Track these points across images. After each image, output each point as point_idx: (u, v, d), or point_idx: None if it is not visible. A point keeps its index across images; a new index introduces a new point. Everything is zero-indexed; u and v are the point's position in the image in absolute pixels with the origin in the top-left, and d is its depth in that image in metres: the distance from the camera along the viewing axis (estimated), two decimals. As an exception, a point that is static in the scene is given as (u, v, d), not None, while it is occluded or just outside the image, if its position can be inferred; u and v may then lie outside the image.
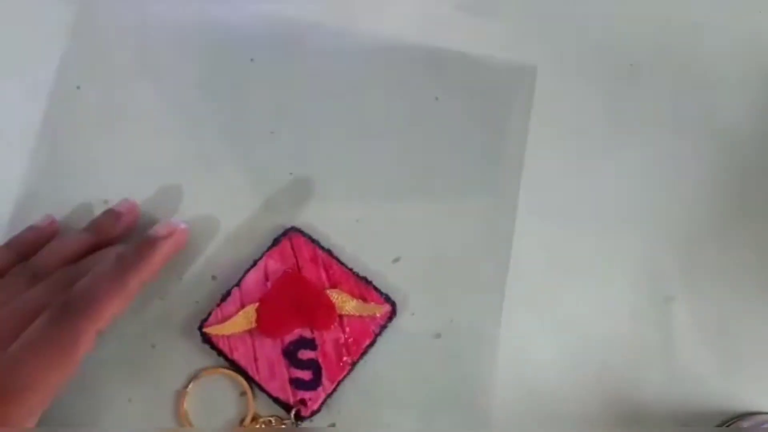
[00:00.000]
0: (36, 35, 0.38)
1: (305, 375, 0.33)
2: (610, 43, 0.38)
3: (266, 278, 0.34)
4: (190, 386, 0.34)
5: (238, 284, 0.34)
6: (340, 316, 0.33)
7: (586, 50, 0.38)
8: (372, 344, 0.34)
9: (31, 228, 0.35)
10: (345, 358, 0.33)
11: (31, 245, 0.34)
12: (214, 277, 0.35)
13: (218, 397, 0.34)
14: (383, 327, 0.34)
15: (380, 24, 0.39)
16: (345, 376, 0.33)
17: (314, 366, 0.33)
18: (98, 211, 0.36)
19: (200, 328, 0.33)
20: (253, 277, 0.34)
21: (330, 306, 0.33)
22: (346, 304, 0.34)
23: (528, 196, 0.36)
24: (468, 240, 0.36)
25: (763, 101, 0.38)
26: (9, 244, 0.34)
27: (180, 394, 0.34)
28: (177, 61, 0.38)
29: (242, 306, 0.33)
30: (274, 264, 0.34)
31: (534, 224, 0.36)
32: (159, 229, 0.33)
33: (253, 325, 0.33)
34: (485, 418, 0.34)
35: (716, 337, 0.35)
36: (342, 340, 0.33)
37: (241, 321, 0.33)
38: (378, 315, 0.34)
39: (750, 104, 0.38)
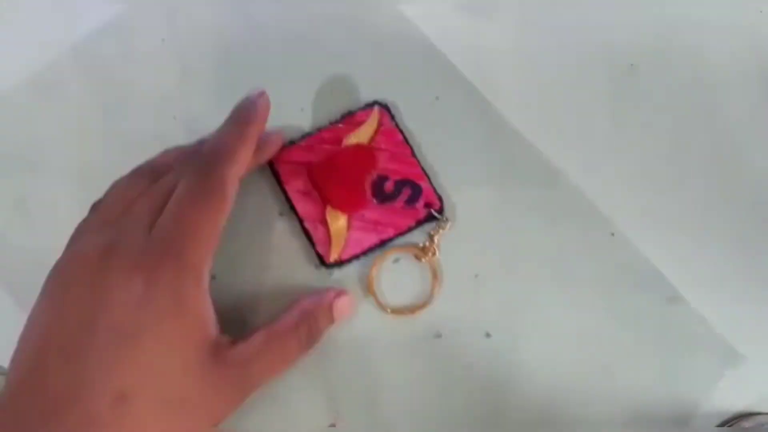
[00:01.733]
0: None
1: (406, 193, 0.35)
2: (610, 43, 0.38)
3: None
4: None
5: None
6: (372, 148, 0.36)
7: (586, 50, 0.38)
8: (404, 134, 0.37)
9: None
10: (405, 158, 0.36)
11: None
12: (214, 277, 0.35)
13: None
14: (394, 119, 0.37)
15: (380, 23, 0.39)
16: (423, 167, 0.36)
17: (402, 184, 0.36)
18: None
19: (330, 265, 0.35)
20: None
21: (362, 150, 0.36)
22: (357, 138, 0.36)
23: (528, 196, 0.36)
24: (468, 239, 0.36)
25: (764, 101, 0.38)
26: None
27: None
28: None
29: (323, 221, 0.35)
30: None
31: (534, 224, 0.36)
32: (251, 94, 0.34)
33: (345, 219, 0.35)
34: (485, 418, 0.34)
35: (716, 336, 0.34)
36: (389, 154, 0.36)
37: (338, 226, 0.35)
38: (381, 119, 0.36)
39: (750, 104, 0.38)
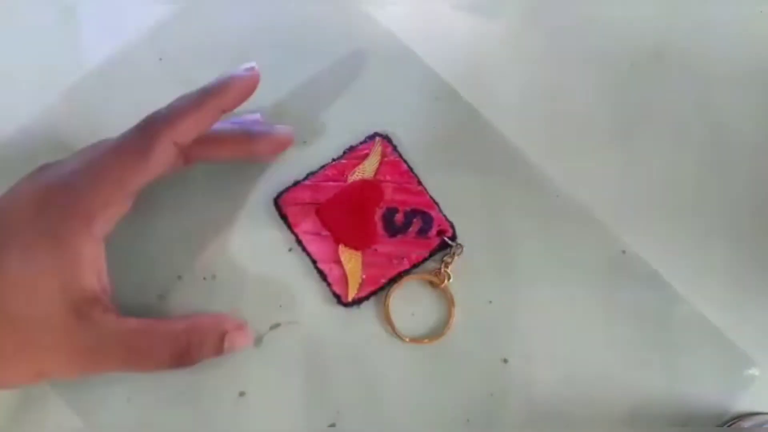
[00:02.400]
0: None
1: (417, 224, 0.35)
2: (610, 43, 0.38)
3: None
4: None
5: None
6: (378, 181, 0.36)
7: (586, 50, 0.38)
8: (408, 164, 0.36)
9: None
10: (412, 188, 0.36)
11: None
12: (214, 277, 0.35)
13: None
14: (396, 150, 0.36)
15: (380, 22, 0.39)
16: (431, 195, 0.36)
17: (412, 214, 0.35)
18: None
19: (348, 304, 0.35)
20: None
21: (368, 185, 0.35)
22: (362, 173, 0.36)
23: (527, 195, 0.36)
24: (468, 239, 0.36)
25: (764, 101, 0.37)
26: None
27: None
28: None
29: (337, 260, 0.35)
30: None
31: (534, 225, 0.36)
32: (237, 70, 0.32)
33: (359, 256, 0.35)
34: (485, 418, 0.34)
35: (716, 336, 0.34)
36: (395, 186, 0.36)
37: (352, 263, 0.35)
38: (383, 150, 0.36)
39: (750, 104, 0.38)
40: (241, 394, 0.34)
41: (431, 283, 0.35)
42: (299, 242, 0.35)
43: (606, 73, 0.38)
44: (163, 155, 0.30)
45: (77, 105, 0.38)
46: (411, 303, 0.35)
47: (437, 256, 0.35)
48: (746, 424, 0.33)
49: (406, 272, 0.35)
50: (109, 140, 0.31)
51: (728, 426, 0.33)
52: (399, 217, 0.35)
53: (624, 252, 0.35)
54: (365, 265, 0.35)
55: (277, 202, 0.35)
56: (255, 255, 0.35)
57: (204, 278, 0.35)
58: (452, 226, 0.35)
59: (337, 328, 0.35)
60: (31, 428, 0.34)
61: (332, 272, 0.35)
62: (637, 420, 0.34)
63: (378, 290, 0.35)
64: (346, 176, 0.36)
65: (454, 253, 0.35)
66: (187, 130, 0.30)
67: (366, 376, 0.34)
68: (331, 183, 0.36)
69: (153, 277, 0.35)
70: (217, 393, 0.34)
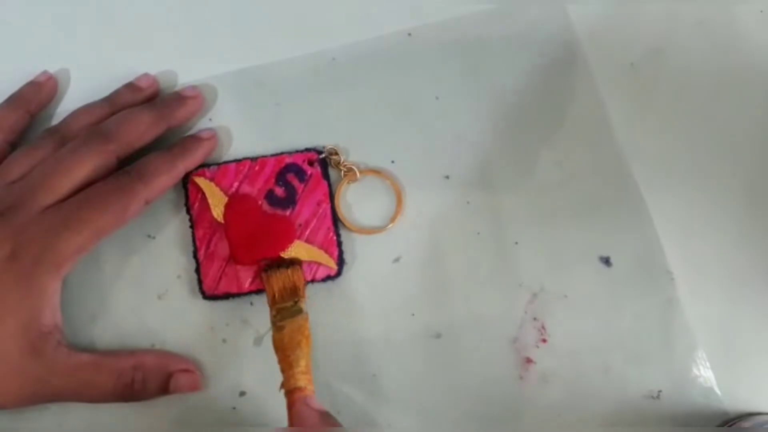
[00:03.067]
0: None
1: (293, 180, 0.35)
2: (610, 42, 0.38)
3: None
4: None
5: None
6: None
7: (586, 50, 0.38)
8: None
9: (30, 83, 0.37)
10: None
11: (33, 98, 0.36)
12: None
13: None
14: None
15: (380, 23, 0.39)
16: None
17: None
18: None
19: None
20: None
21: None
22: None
23: (527, 196, 0.36)
24: (468, 239, 0.36)
25: (764, 101, 0.37)
26: (11, 100, 0.36)
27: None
28: None
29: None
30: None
31: (533, 225, 0.36)
32: (185, 91, 0.37)
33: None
34: (485, 418, 0.34)
35: (717, 337, 0.34)
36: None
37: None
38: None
39: (751, 104, 0.38)
40: (241, 394, 0.34)
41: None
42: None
43: (606, 72, 0.38)
44: (137, 211, 0.33)
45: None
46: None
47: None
48: (747, 424, 0.33)
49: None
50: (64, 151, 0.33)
51: (728, 426, 0.33)
52: (279, 191, 0.35)
53: (624, 252, 0.35)
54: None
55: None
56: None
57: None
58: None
59: (337, 327, 0.35)
60: (30, 428, 0.34)
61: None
62: (637, 420, 0.34)
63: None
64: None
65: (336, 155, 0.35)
66: (159, 190, 0.33)
67: (366, 376, 0.34)
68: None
69: (153, 277, 0.35)
70: (217, 393, 0.34)
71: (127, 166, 0.33)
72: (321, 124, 0.37)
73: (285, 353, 0.30)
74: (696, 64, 0.38)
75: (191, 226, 0.35)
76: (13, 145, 0.35)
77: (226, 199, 0.35)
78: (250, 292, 0.34)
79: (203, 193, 0.35)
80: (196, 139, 0.36)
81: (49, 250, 0.30)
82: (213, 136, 0.36)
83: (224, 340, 0.35)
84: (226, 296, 0.34)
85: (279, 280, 0.33)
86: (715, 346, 0.34)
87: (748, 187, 0.36)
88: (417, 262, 0.35)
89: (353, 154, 0.37)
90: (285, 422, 0.27)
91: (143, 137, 0.34)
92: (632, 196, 0.36)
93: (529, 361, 0.34)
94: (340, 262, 0.35)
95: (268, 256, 0.34)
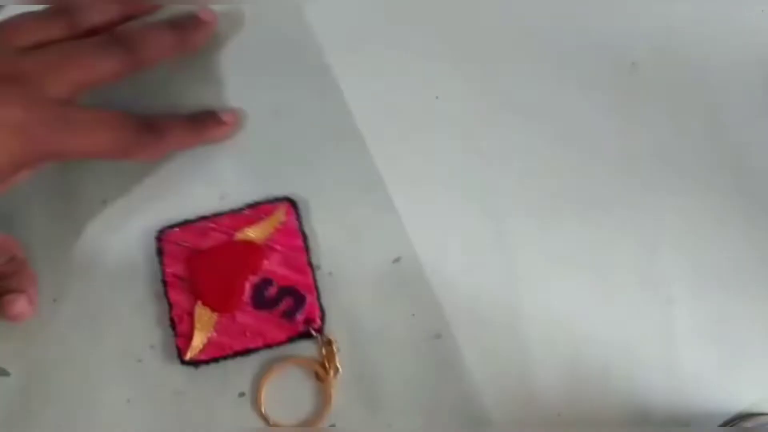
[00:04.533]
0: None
1: (287, 304, 0.33)
2: (610, 42, 0.38)
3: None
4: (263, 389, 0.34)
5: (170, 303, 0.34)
6: (264, 247, 0.34)
7: (586, 50, 0.38)
8: (305, 238, 0.34)
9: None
10: (299, 264, 0.34)
11: None
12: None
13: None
14: (299, 219, 0.34)
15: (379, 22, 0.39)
16: (315, 277, 0.34)
17: (285, 292, 0.33)
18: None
19: (185, 362, 0.33)
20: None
21: (250, 249, 0.34)
22: (253, 233, 0.34)
23: (527, 197, 0.36)
24: (467, 240, 0.36)
25: (764, 101, 0.37)
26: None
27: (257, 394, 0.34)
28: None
29: (191, 313, 0.33)
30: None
31: (533, 226, 0.36)
32: (202, 13, 0.35)
33: (214, 318, 0.33)
34: (485, 418, 0.34)
35: (717, 337, 0.34)
36: (282, 257, 0.34)
37: (204, 323, 0.33)
38: (285, 217, 0.34)
39: (751, 104, 0.37)
40: (241, 394, 0.34)
41: (317, 375, 0.34)
42: (164, 283, 0.34)
43: (606, 72, 0.38)
44: (127, 156, 0.33)
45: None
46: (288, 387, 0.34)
47: (298, 344, 0.34)
48: (749, 424, 0.33)
49: (256, 350, 0.33)
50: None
51: (730, 426, 0.33)
52: (271, 291, 0.33)
53: (623, 252, 0.35)
54: (217, 329, 0.33)
55: (160, 236, 0.34)
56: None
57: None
58: (323, 317, 0.34)
59: (337, 327, 0.35)
60: (31, 428, 0.34)
61: (182, 324, 0.33)
62: (637, 420, 0.33)
63: (221, 358, 0.33)
64: (236, 231, 0.34)
65: (330, 346, 0.33)
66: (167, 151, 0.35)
67: (366, 375, 0.34)
68: (218, 234, 0.34)
69: (153, 277, 0.35)
70: (217, 393, 0.34)
71: (150, 118, 0.33)
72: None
73: None
74: (696, 64, 0.38)
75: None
76: None
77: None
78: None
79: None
80: (218, 120, 0.35)
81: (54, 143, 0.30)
82: (234, 119, 0.36)
83: (224, 341, 0.35)
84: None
85: None
86: (715, 346, 0.34)
87: (748, 186, 0.36)
88: (417, 262, 0.35)
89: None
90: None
91: (163, 56, 0.33)
92: (631, 195, 0.36)
93: (527, 360, 0.34)
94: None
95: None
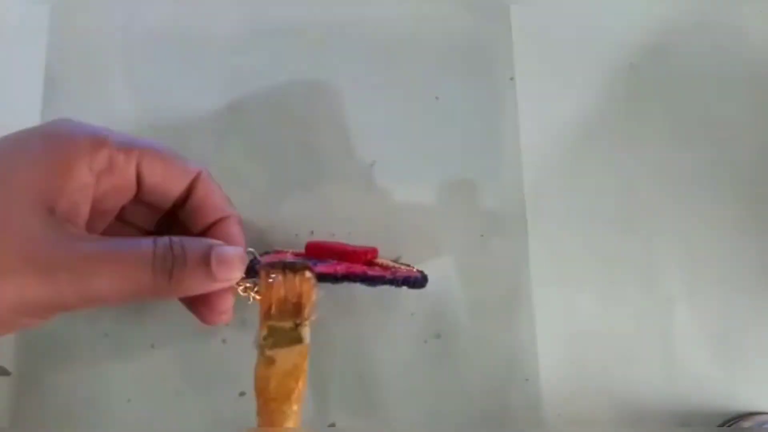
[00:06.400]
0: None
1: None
2: (610, 43, 0.38)
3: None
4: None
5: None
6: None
7: (586, 50, 0.38)
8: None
9: None
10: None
11: None
12: (213, 277, 0.35)
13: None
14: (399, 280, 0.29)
15: (379, 23, 0.39)
16: None
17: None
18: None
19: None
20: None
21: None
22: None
23: (527, 197, 0.36)
24: (468, 240, 0.36)
25: (764, 101, 0.37)
26: None
27: None
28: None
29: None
30: None
31: (533, 226, 0.36)
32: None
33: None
34: (485, 418, 0.34)
35: (717, 337, 0.34)
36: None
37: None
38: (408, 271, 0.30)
39: (750, 104, 0.38)
40: (241, 394, 0.34)
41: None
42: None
43: (606, 72, 0.38)
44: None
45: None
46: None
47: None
48: (747, 424, 0.33)
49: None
50: None
51: (728, 426, 0.33)
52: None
53: (623, 252, 0.35)
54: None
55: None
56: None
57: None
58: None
59: (337, 327, 0.35)
60: (30, 428, 0.34)
61: None
62: (637, 420, 0.34)
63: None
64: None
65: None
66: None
67: (365, 376, 0.34)
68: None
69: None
70: (217, 393, 0.34)
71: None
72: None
73: (267, 402, 0.23)
74: (696, 64, 0.38)
75: None
76: None
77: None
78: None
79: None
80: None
81: None
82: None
83: (224, 341, 0.35)
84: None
85: (280, 288, 0.26)
86: (715, 346, 0.34)
87: (748, 186, 0.36)
88: (417, 263, 0.35)
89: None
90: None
91: None
92: (631, 195, 0.36)
93: (527, 360, 0.34)
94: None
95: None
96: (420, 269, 0.31)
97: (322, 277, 0.28)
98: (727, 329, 0.35)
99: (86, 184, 0.26)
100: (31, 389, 0.34)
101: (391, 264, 0.31)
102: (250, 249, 0.28)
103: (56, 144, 0.26)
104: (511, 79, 0.38)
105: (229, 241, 0.28)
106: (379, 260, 0.32)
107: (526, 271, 0.35)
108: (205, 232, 0.30)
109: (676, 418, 0.34)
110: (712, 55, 0.38)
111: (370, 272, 0.29)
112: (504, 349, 0.34)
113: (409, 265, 0.32)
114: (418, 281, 0.30)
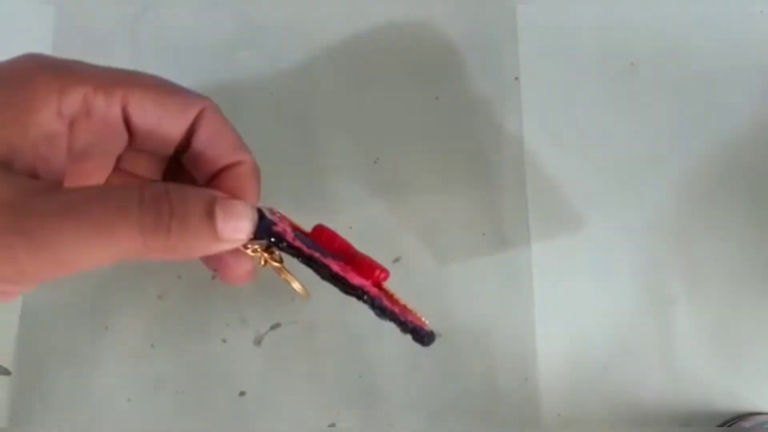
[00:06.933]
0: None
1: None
2: (610, 42, 0.38)
3: None
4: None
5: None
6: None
7: (586, 50, 0.38)
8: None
9: None
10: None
11: None
12: (213, 277, 0.35)
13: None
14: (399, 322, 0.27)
15: (379, 23, 0.39)
16: None
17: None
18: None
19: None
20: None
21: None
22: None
23: (529, 197, 0.36)
24: (468, 240, 0.36)
25: (763, 101, 0.37)
26: None
27: None
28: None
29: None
30: None
31: (533, 226, 0.36)
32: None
33: None
34: (485, 418, 0.34)
35: (717, 337, 0.34)
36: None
37: None
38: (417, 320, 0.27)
39: (750, 104, 0.38)
40: (241, 394, 0.34)
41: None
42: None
43: (606, 72, 0.38)
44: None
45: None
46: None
47: None
48: (747, 424, 0.33)
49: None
50: None
51: (729, 426, 0.33)
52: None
53: (623, 251, 0.35)
54: None
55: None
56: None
57: (204, 278, 0.35)
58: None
59: (337, 327, 0.35)
60: (30, 428, 0.34)
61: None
62: (636, 420, 0.34)
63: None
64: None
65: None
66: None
67: (366, 376, 0.34)
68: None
69: (153, 277, 0.35)
70: (217, 393, 0.34)
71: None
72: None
73: None
74: (696, 65, 0.38)
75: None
76: None
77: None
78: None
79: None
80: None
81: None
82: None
83: (224, 340, 0.35)
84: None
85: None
86: (715, 346, 0.34)
87: (748, 186, 0.36)
88: (417, 262, 0.35)
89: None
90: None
91: None
92: (630, 195, 0.36)
93: (526, 361, 0.34)
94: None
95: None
96: (431, 328, 0.28)
97: (333, 278, 0.26)
98: (727, 329, 0.35)
99: (54, 133, 0.22)
100: (31, 389, 0.34)
101: (401, 301, 0.28)
102: (266, 206, 0.24)
103: (12, 87, 0.21)
104: (516, 79, 0.38)
105: (237, 194, 0.23)
106: (388, 287, 0.28)
107: (527, 270, 0.35)
108: (210, 183, 0.25)
109: (676, 418, 0.34)
110: (712, 55, 0.38)
111: (386, 301, 0.27)
112: (503, 349, 0.34)
113: (417, 315, 0.29)
114: (426, 338, 0.27)
